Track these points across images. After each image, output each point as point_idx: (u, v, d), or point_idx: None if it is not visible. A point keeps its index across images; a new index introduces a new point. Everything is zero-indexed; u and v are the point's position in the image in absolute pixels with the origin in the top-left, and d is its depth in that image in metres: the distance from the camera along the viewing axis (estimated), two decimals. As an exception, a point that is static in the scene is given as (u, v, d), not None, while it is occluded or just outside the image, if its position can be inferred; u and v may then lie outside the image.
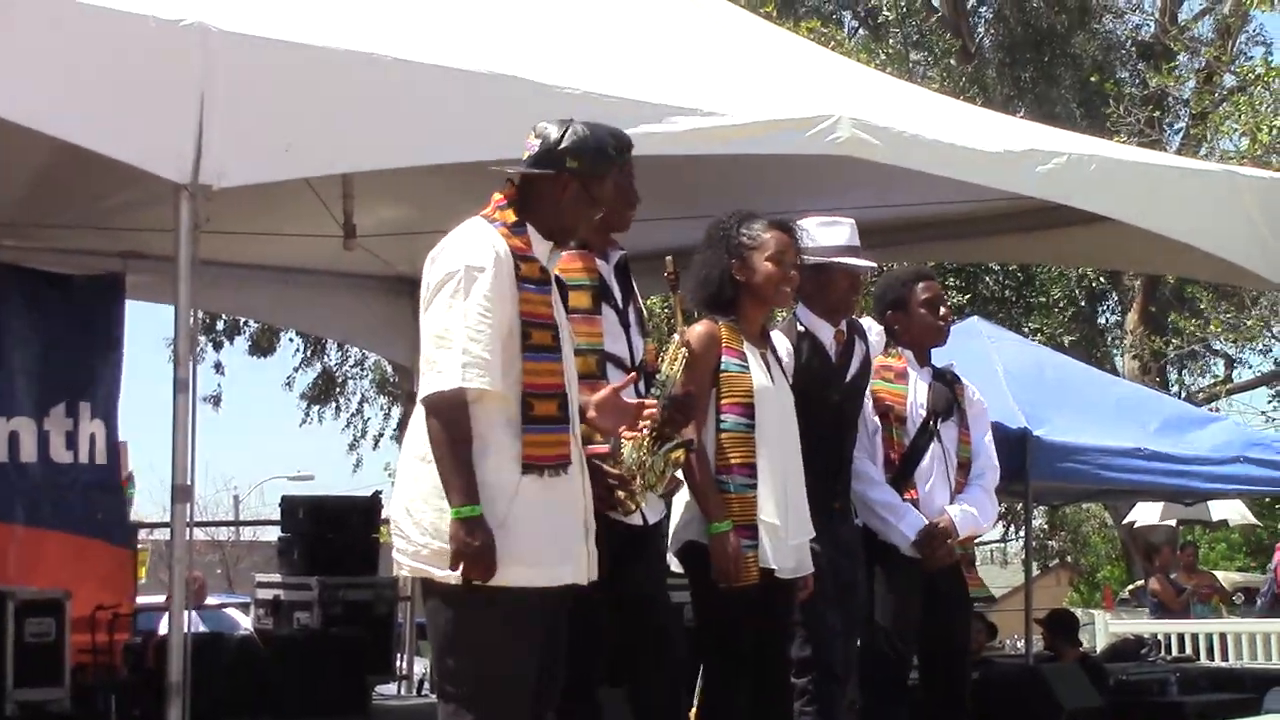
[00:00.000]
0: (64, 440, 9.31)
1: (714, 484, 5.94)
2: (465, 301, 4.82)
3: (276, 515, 11.23)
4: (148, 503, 21.53)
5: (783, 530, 6.00)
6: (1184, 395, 24.02)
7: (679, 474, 5.68)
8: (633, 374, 5.50)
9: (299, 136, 5.46)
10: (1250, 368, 26.04)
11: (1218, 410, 21.34)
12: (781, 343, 6.43)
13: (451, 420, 4.78)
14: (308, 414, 28.70)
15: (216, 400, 27.98)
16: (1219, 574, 22.21)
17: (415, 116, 5.74)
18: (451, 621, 4.92)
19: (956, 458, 7.05)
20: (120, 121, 5.18)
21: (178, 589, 5.47)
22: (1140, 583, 20.13)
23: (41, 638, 8.10)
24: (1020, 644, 12.93)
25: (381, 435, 28.77)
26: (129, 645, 9.02)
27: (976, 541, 8.27)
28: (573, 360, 5.12)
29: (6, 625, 7.96)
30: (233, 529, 38.71)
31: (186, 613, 5.54)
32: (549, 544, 4.89)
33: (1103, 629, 16.71)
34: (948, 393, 7.07)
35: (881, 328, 7.07)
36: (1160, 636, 15.12)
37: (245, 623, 13.79)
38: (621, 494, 5.35)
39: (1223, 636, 15.26)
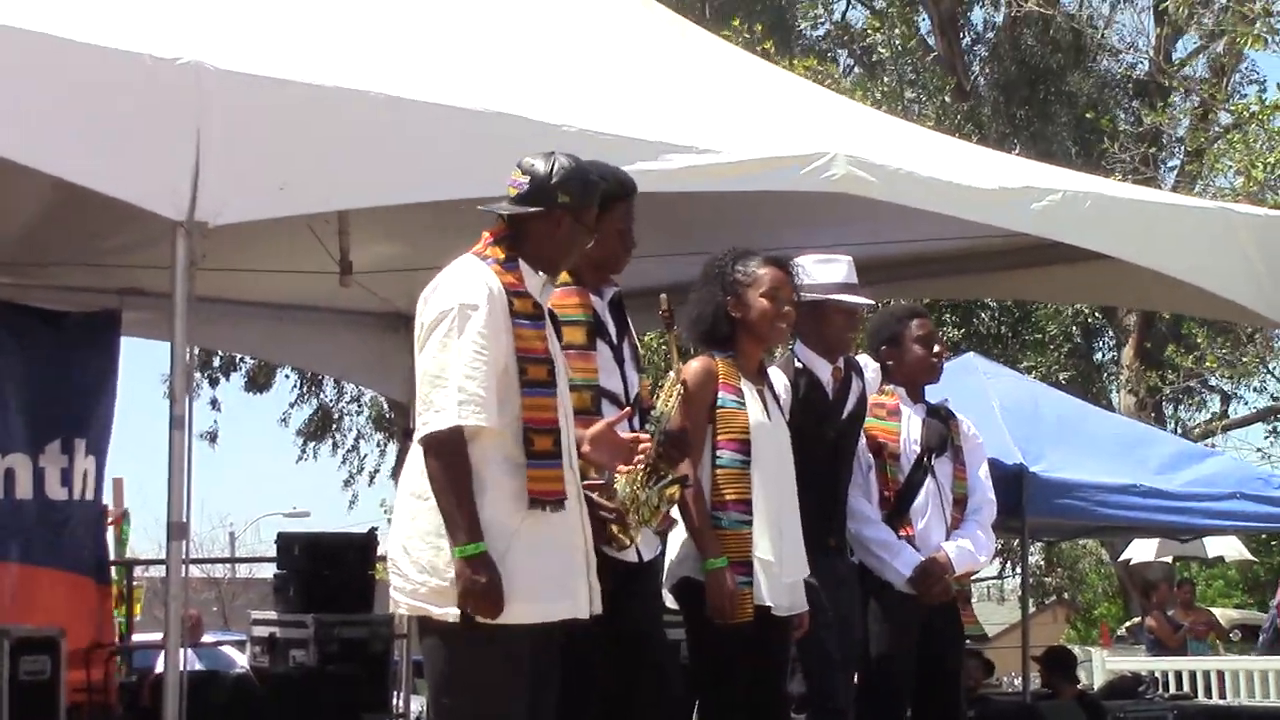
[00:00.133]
0: (59, 477, 9.29)
1: (709, 520, 5.94)
2: (460, 339, 4.83)
3: (272, 552, 11.21)
4: (143, 539, 21.53)
5: (777, 567, 5.99)
6: (1180, 431, 24.01)
7: (674, 511, 5.69)
8: (627, 409, 5.50)
9: (295, 174, 5.46)
10: (1246, 403, 26.06)
11: (1214, 446, 21.35)
12: (779, 379, 6.44)
13: (451, 459, 4.79)
14: (304, 450, 28.74)
15: (213, 437, 28.05)
16: (1216, 611, 22.19)
17: (411, 153, 5.74)
18: (449, 660, 4.91)
19: (951, 494, 7.05)
20: (117, 159, 5.18)
21: (173, 626, 5.45)
22: (1137, 620, 20.12)
23: (36, 676, 8.08)
24: (1017, 681, 12.93)
25: (377, 471, 28.86)
26: (124, 684, 9.00)
27: (973, 578, 8.27)
28: (568, 395, 5.13)
29: (1, 663, 7.94)
30: (228, 566, 38.68)
31: (182, 650, 5.52)
32: (546, 580, 4.90)
33: (1100, 666, 16.68)
34: (942, 428, 7.08)
35: (877, 365, 7.08)
36: (1157, 674, 15.11)
37: (241, 660, 13.74)
38: (615, 529, 5.35)
39: (1220, 674, 15.25)
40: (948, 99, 22.38)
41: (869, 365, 7.02)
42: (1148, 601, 19.03)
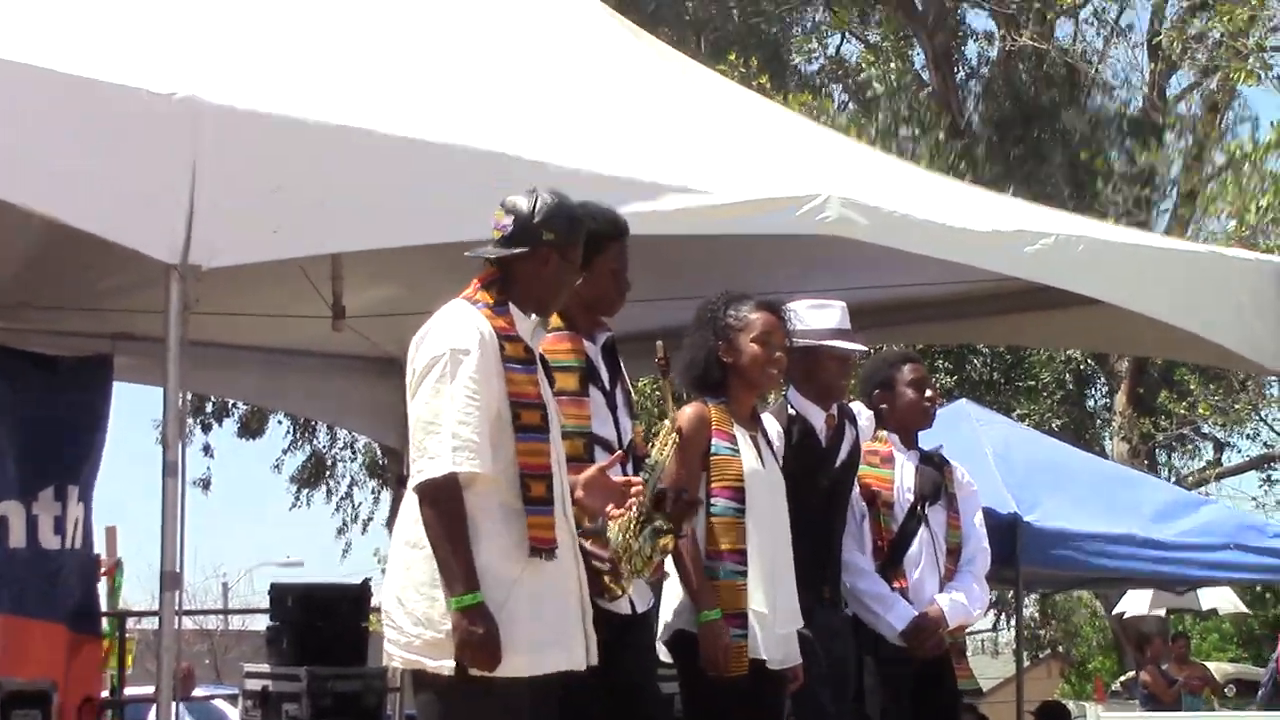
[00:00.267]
0: (53, 525, 9.23)
1: (703, 571, 5.90)
2: (452, 385, 4.81)
3: (265, 602, 11.17)
4: (136, 589, 21.45)
5: (772, 619, 5.96)
6: (1174, 479, 24.01)
7: (667, 562, 5.66)
8: (619, 453, 5.48)
9: (289, 216, 5.45)
10: (1239, 451, 26.06)
11: (1208, 494, 21.34)
12: (772, 426, 6.41)
13: (446, 506, 4.76)
14: (298, 497, 28.67)
15: (206, 484, 27.96)
16: (1211, 665, 22.13)
17: (405, 195, 5.73)
18: (445, 714, 4.87)
19: (945, 543, 7.02)
20: (110, 201, 5.16)
21: (165, 680, 5.39)
22: (1132, 674, 20.07)
23: (28, 729, 8.04)
24: (1013, 736, 12.87)
25: (371, 519, 28.77)
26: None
27: (967, 631, 8.24)
28: (560, 440, 5.11)
29: (-7, 716, 7.90)
30: (221, 617, 38.56)
31: (174, 704, 5.48)
32: (542, 630, 4.86)
33: (1095, 721, 16.65)
34: (935, 476, 7.06)
35: (871, 413, 7.07)
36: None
37: (233, 715, 13.69)
38: (608, 579, 5.32)
39: (1215, 729, 15.22)
40: (942, 136, 22.40)
41: (862, 412, 7.01)
42: (1142, 656, 18.99)
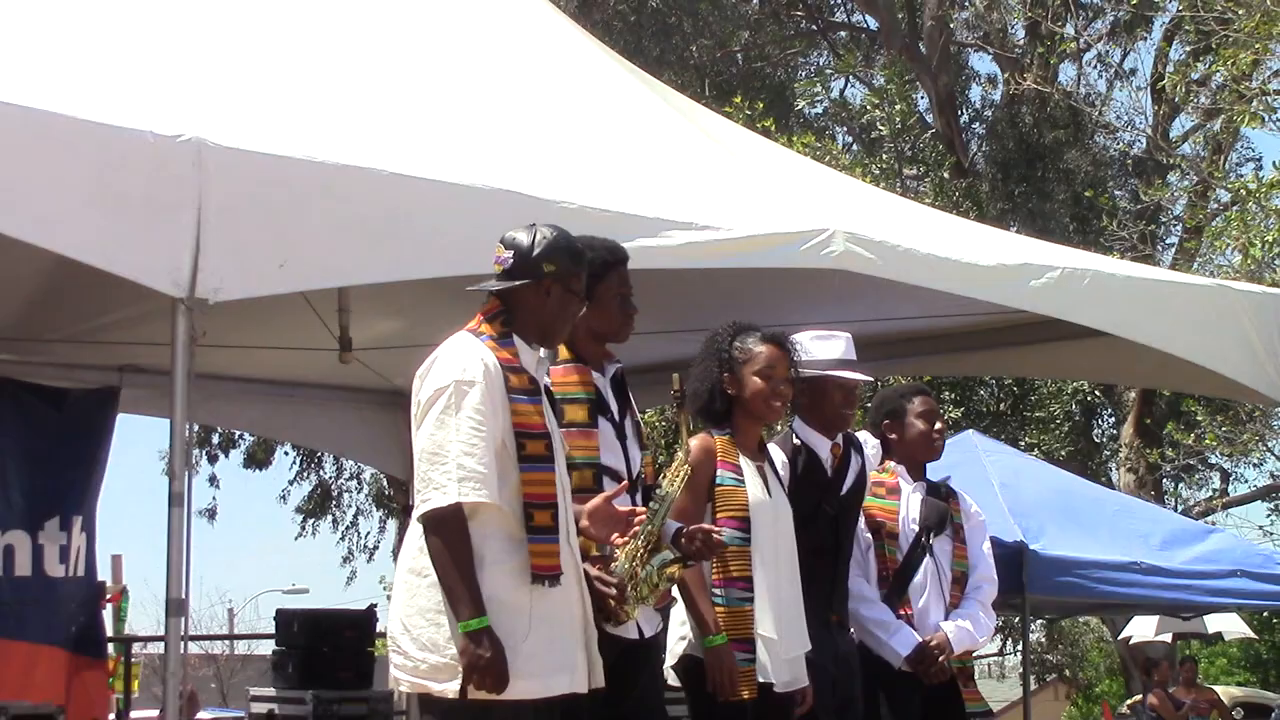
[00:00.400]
0: (58, 554, 9.27)
1: (709, 598, 5.92)
2: (457, 416, 4.85)
3: (271, 628, 11.18)
4: (141, 616, 21.47)
5: (779, 644, 5.98)
6: (1181, 509, 23.99)
7: (673, 589, 5.68)
8: (624, 483, 5.50)
9: (295, 251, 5.47)
10: (1245, 482, 26.06)
11: (1215, 524, 21.31)
12: (777, 455, 6.43)
13: (452, 536, 4.80)
14: (303, 527, 28.66)
15: (212, 513, 27.98)
16: (1219, 689, 22.10)
17: (411, 231, 5.75)
18: (450, 739, 4.89)
19: (950, 572, 7.03)
20: (117, 236, 5.18)
21: (171, 704, 5.42)
22: (1139, 697, 20.03)
23: (35, 754, 8.04)
24: (1020, 759, 12.85)
25: (377, 548, 28.74)
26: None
27: (974, 655, 8.23)
28: (565, 470, 5.13)
29: (1, 740, 7.91)
30: (227, 642, 38.57)
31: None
32: (546, 655, 4.89)
33: (1102, 745, 16.63)
34: (941, 507, 7.06)
35: (877, 441, 7.09)
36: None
37: (239, 738, 13.68)
38: (613, 604, 5.33)
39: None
40: (946, 176, 22.46)
41: (868, 441, 7.03)
42: (1149, 679, 18.97)
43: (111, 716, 10.62)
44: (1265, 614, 23.94)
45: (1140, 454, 23.23)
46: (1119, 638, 23.13)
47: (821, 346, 6.58)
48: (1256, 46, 16.06)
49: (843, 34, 28.54)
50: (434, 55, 7.26)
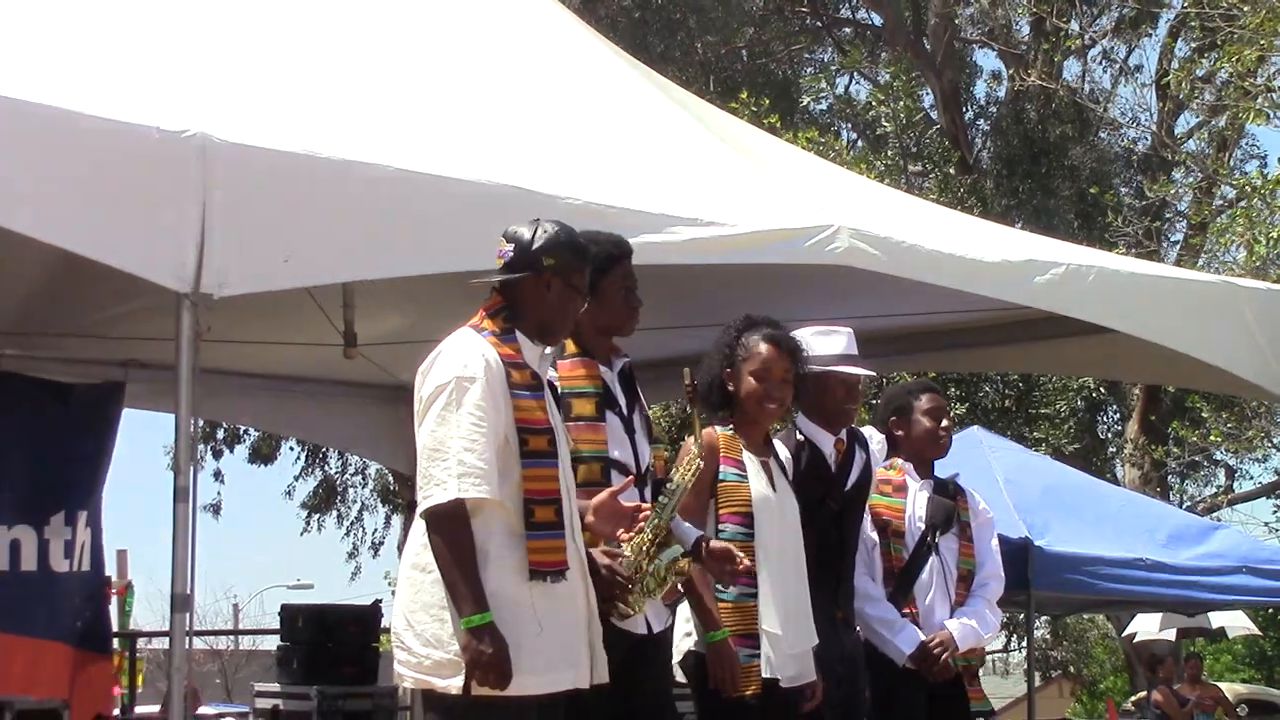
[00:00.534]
0: (63, 549, 9.28)
1: (711, 593, 5.92)
2: (458, 413, 4.85)
3: (276, 623, 11.20)
4: (146, 611, 21.51)
5: (784, 640, 5.97)
6: (1186, 505, 23.99)
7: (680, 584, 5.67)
8: (630, 477, 5.50)
9: (300, 246, 5.47)
10: (1250, 478, 26.07)
11: (1220, 520, 21.33)
12: (781, 451, 6.43)
13: (453, 532, 4.80)
14: (308, 523, 28.69)
15: (216, 509, 28.01)
16: (1223, 686, 22.11)
17: (416, 226, 5.75)
18: (454, 734, 4.89)
19: (956, 570, 7.02)
20: (122, 231, 5.19)
21: (176, 700, 5.42)
22: (1144, 694, 20.05)
23: (39, 748, 8.06)
24: (1024, 756, 12.85)
25: (381, 543, 28.78)
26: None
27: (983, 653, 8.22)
28: (569, 465, 5.13)
29: (6, 735, 7.93)
30: (232, 637, 38.62)
31: (184, 723, 5.49)
32: (551, 650, 4.90)
33: (1106, 741, 16.64)
34: (948, 505, 7.05)
35: (883, 437, 7.08)
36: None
37: (243, 733, 13.71)
38: (619, 592, 5.32)
39: (1228, 749, 15.20)
40: (951, 172, 22.45)
41: (874, 436, 7.02)
42: (1153, 676, 18.98)
43: (116, 712, 10.63)
44: (1270, 610, 23.95)
45: (1145, 450, 23.24)
46: (1123, 634, 23.13)
47: (823, 342, 6.58)
48: (1262, 43, 16.03)
49: (848, 30, 28.55)
50: (439, 51, 7.26)
